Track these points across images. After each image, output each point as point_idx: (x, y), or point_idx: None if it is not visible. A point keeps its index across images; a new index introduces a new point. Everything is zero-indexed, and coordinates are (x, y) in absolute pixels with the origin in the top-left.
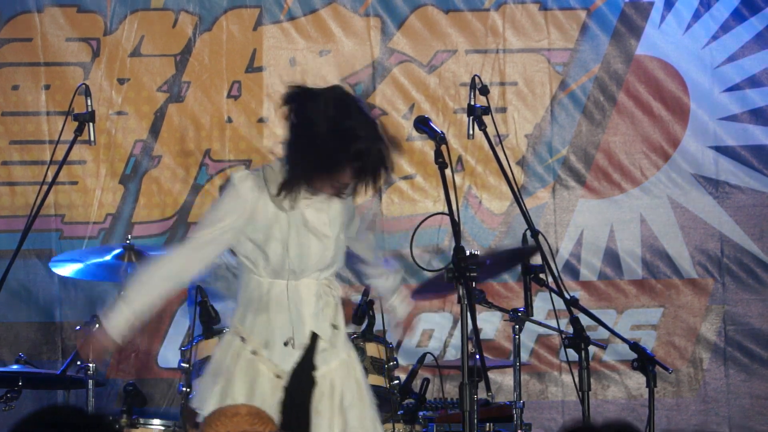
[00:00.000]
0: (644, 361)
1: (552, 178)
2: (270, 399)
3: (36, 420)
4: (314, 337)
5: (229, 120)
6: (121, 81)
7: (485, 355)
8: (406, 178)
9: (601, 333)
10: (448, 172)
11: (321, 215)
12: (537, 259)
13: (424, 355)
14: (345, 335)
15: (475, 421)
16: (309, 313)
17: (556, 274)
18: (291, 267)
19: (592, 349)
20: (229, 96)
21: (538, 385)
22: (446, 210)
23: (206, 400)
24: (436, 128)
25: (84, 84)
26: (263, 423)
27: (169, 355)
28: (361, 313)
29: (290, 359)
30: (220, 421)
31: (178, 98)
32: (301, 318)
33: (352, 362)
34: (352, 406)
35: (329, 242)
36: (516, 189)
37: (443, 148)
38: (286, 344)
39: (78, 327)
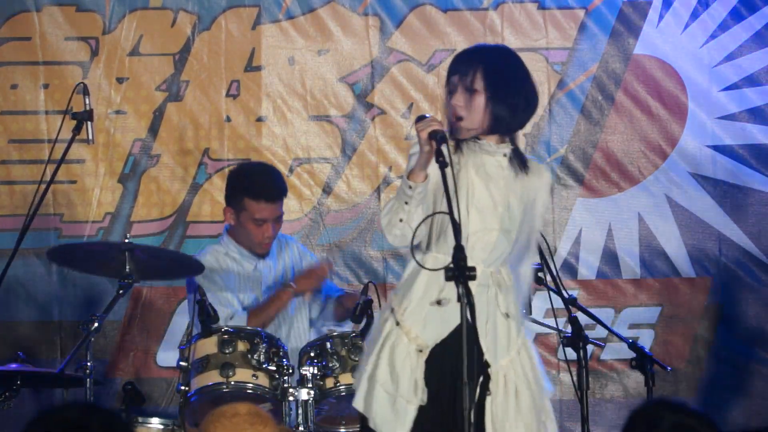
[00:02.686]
0: (642, 360)
1: (550, 177)
2: (407, 372)
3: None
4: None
5: (228, 119)
6: (119, 80)
7: None
8: None
9: (600, 332)
10: (448, 170)
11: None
12: (535, 258)
13: None
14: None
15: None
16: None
17: (555, 273)
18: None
19: (590, 347)
20: (227, 95)
21: None
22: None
23: (356, 392)
24: None
25: (82, 83)
26: (263, 423)
27: (167, 354)
28: (360, 312)
29: (433, 333)
30: (219, 422)
31: (176, 97)
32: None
33: (523, 358)
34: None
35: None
36: None
37: (443, 147)
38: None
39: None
